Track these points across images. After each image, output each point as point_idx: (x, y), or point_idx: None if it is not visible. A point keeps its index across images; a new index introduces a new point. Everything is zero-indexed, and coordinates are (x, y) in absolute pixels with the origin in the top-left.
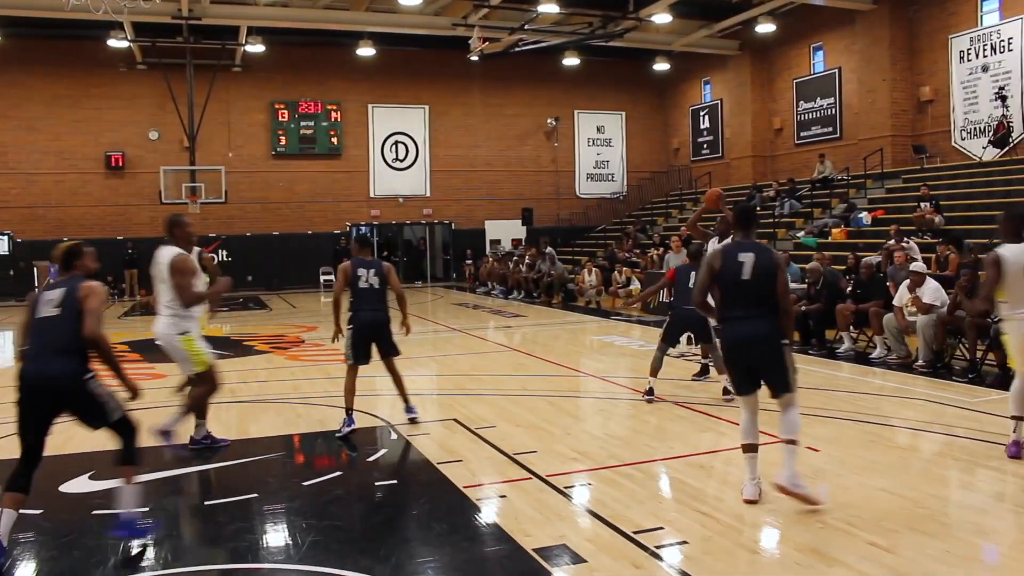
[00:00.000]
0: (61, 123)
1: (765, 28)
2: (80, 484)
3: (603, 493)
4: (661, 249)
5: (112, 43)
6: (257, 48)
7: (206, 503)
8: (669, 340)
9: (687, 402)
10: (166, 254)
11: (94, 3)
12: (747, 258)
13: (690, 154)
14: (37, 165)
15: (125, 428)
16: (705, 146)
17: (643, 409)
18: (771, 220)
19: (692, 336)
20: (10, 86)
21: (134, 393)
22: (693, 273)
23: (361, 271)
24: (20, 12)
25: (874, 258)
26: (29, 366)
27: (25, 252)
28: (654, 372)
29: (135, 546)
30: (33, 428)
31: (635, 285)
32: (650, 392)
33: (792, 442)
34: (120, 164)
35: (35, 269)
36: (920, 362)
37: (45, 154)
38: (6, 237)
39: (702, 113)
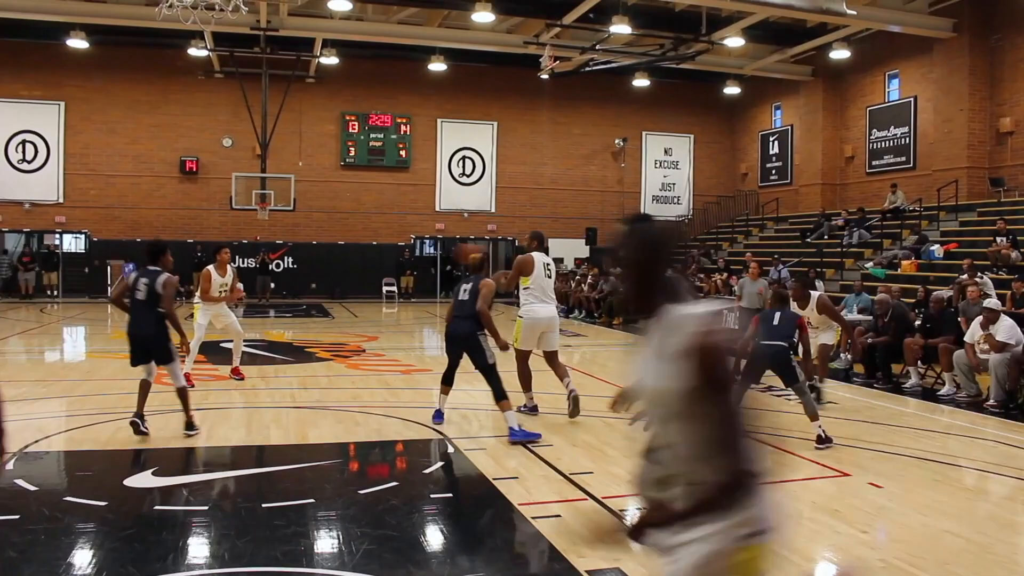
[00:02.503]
0: (140, 127)
1: (839, 54)
2: (144, 479)
3: None
4: (726, 274)
5: (192, 52)
6: (331, 60)
7: (263, 505)
8: (747, 380)
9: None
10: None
11: (184, 14)
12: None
13: (758, 179)
14: (115, 167)
15: None
16: (774, 172)
17: None
18: (839, 250)
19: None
20: (94, 91)
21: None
22: (778, 314)
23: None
24: (109, 20)
25: (945, 292)
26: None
27: (100, 251)
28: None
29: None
30: None
31: None
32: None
33: None
34: (194, 169)
35: (109, 267)
36: (991, 401)
37: (123, 157)
38: (83, 235)
39: (772, 138)
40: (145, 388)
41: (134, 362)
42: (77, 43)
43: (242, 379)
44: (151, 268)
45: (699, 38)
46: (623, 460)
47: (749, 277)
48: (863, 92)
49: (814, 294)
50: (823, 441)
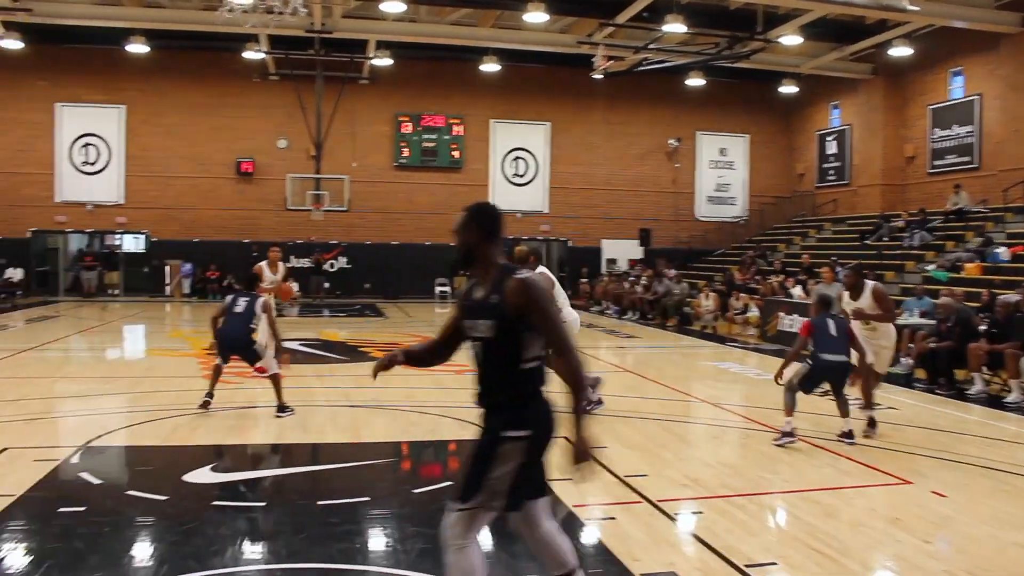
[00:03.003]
0: (197, 130)
1: (900, 52)
2: (203, 475)
3: (714, 522)
4: (782, 276)
5: (248, 55)
6: (384, 61)
7: (319, 503)
8: (804, 387)
9: (804, 435)
10: None
11: (243, 17)
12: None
13: (815, 180)
14: (174, 169)
15: None
16: (831, 172)
17: (756, 439)
18: (899, 252)
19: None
20: (153, 94)
21: None
22: (830, 321)
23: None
24: (167, 25)
25: (1012, 296)
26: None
27: (159, 251)
28: (790, 410)
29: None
30: None
31: (753, 312)
32: (789, 434)
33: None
34: (250, 170)
35: (168, 267)
36: None
37: (182, 159)
38: (143, 236)
39: (829, 138)
40: (218, 372)
41: (225, 359)
42: (137, 48)
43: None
44: (249, 292)
45: (755, 36)
46: (677, 462)
47: (824, 282)
48: (925, 90)
49: (869, 284)
50: (849, 436)
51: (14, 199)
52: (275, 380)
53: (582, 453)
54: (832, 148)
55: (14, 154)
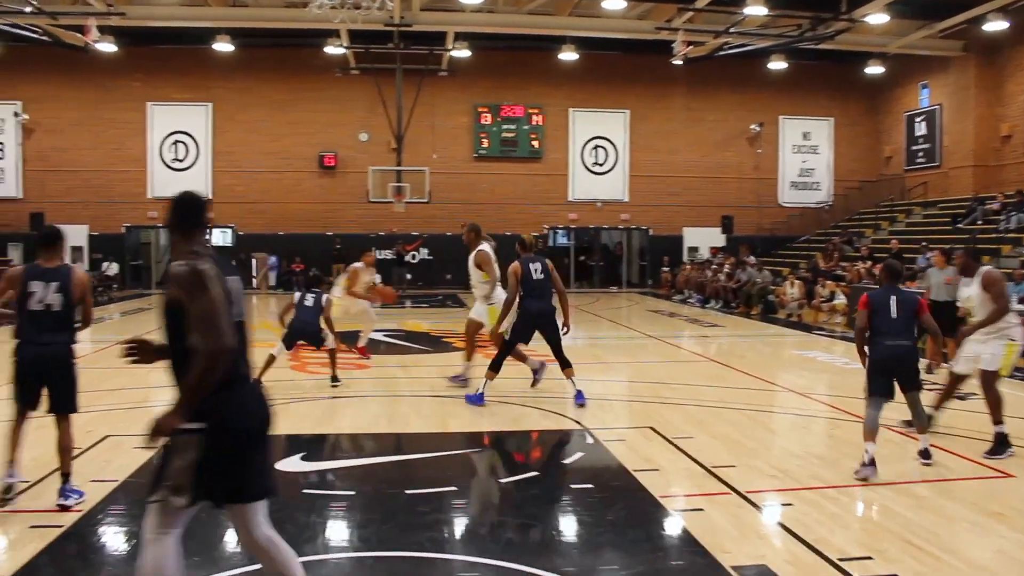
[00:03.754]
0: (280, 125)
1: (995, 26)
2: (293, 463)
3: (805, 514)
4: (869, 263)
5: (329, 50)
6: (463, 53)
7: (407, 492)
8: (879, 391)
9: (895, 425)
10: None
11: (332, 13)
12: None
13: (903, 163)
14: (258, 164)
15: None
16: (921, 154)
17: (845, 428)
18: (995, 236)
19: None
20: (238, 92)
21: None
22: (893, 298)
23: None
24: (251, 24)
25: None
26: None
27: (246, 244)
28: (870, 436)
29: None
30: None
31: (840, 299)
32: (870, 464)
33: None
34: (332, 164)
35: (254, 260)
36: None
37: (265, 154)
38: (230, 230)
39: (918, 119)
40: (272, 361)
41: (289, 346)
42: (223, 47)
43: (368, 359)
44: (317, 289)
45: (839, 16)
46: (764, 453)
47: (935, 266)
48: (1022, 66)
49: (981, 268)
50: (927, 456)
51: (109, 196)
52: (333, 355)
53: (156, 428)
54: (921, 129)
55: (109, 152)
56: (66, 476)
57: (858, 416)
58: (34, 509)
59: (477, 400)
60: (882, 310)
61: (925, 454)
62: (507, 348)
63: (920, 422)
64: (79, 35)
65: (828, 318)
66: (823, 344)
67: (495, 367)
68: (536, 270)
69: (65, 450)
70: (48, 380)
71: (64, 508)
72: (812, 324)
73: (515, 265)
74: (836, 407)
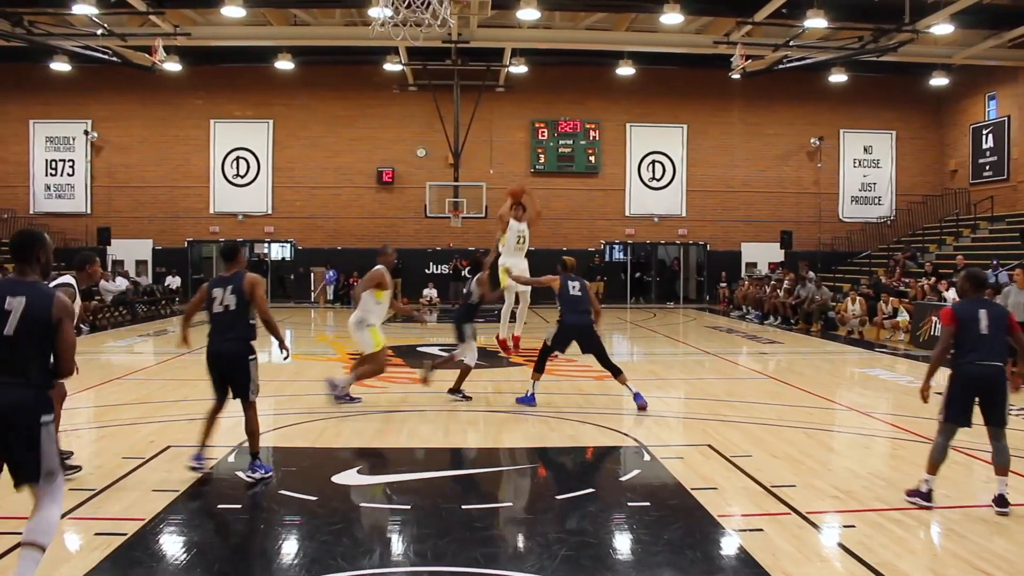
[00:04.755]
0: (339, 141)
1: None
2: (350, 477)
3: (869, 537)
4: (933, 279)
5: (387, 67)
6: (519, 69)
7: (463, 507)
8: (958, 418)
9: (963, 446)
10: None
11: (394, 31)
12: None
13: (969, 176)
14: (318, 179)
15: None
16: (987, 168)
17: (909, 449)
18: None
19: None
20: (299, 108)
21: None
22: (983, 312)
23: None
24: (313, 42)
25: None
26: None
27: (305, 258)
28: (934, 468)
29: None
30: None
31: (903, 316)
32: (926, 496)
33: None
34: (390, 179)
35: (312, 274)
36: None
37: (325, 170)
38: (289, 244)
39: (985, 131)
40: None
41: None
42: (284, 65)
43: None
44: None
45: (902, 27)
46: (825, 472)
47: (1016, 285)
48: None
49: None
50: (1003, 504)
51: (174, 211)
52: (465, 370)
53: None
54: (988, 142)
55: (174, 168)
56: (254, 455)
57: (923, 436)
58: (99, 517)
59: (528, 401)
60: (970, 325)
61: (1001, 501)
62: (546, 352)
63: (1000, 461)
64: (147, 55)
65: (891, 335)
66: (886, 362)
67: (539, 368)
68: (574, 287)
69: (251, 433)
70: (228, 372)
71: (254, 481)
72: (874, 341)
73: (556, 278)
74: (899, 427)
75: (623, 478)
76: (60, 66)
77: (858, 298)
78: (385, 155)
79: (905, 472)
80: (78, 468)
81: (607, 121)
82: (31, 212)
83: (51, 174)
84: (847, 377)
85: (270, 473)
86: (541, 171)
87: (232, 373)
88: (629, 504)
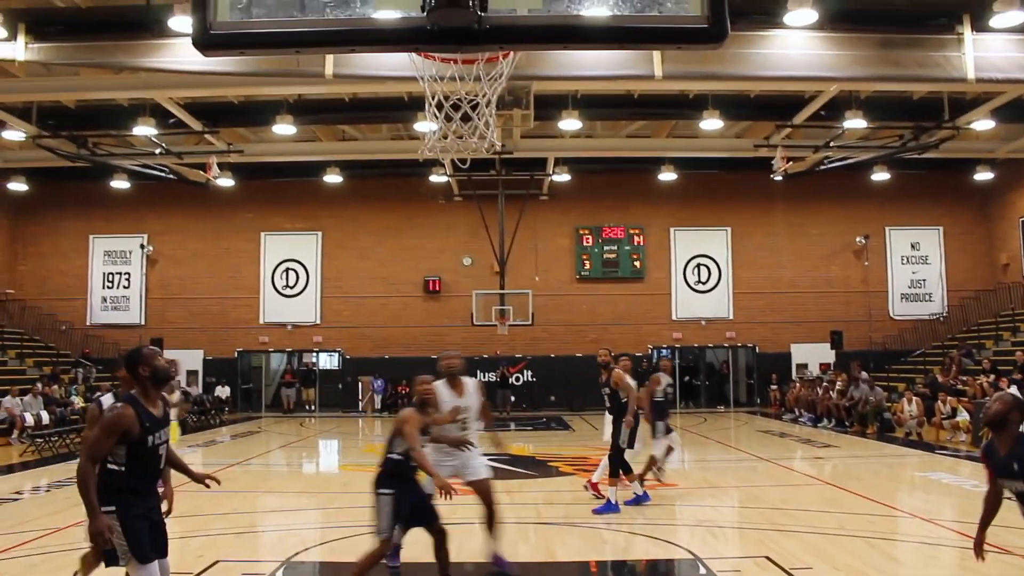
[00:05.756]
0: (387, 251)
1: None
2: None
3: None
4: (992, 376)
5: (433, 179)
6: (563, 177)
7: None
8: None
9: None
10: None
11: (444, 154)
12: None
13: (1022, 270)
14: (366, 289)
15: None
16: None
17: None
18: None
19: None
20: (347, 220)
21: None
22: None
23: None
24: (360, 156)
25: None
26: None
27: (353, 368)
28: None
29: None
30: None
31: (963, 416)
32: None
33: None
34: (437, 288)
35: (360, 383)
36: None
37: (372, 279)
38: (337, 354)
39: None
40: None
41: None
42: (332, 178)
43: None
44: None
45: (942, 125)
46: None
47: None
48: None
49: None
50: None
51: (225, 322)
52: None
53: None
54: None
55: (225, 280)
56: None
57: (992, 545)
58: None
59: (612, 509)
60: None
61: None
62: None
63: None
64: (201, 172)
65: (951, 436)
66: (947, 464)
67: (615, 473)
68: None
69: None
70: None
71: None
72: (933, 443)
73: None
74: (967, 535)
75: None
76: (120, 184)
77: (914, 398)
78: (432, 264)
79: None
80: None
81: (651, 226)
82: (88, 323)
83: (108, 287)
84: (907, 481)
85: None
86: (586, 277)
87: None
88: None
